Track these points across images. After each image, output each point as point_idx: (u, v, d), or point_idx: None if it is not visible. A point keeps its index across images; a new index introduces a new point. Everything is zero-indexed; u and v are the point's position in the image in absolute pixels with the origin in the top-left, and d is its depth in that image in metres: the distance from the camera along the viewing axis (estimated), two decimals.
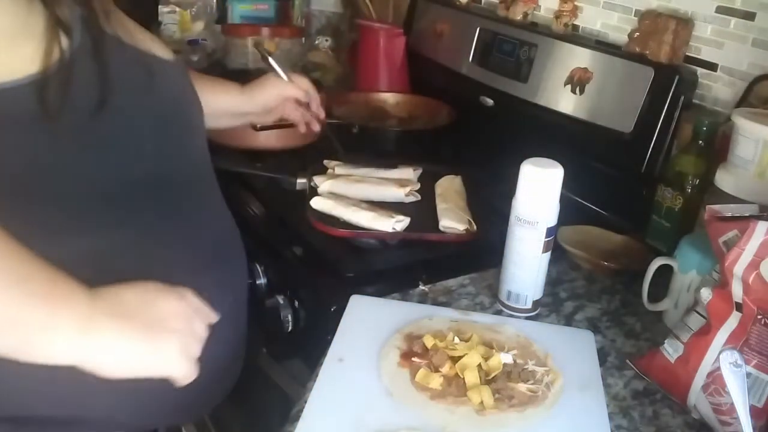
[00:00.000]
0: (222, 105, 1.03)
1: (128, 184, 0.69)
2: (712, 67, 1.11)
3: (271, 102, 1.06)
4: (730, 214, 0.72)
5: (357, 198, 1.08)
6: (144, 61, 0.71)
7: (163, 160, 0.73)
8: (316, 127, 1.12)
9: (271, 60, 1.08)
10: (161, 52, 0.77)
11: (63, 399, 0.69)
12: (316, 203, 1.05)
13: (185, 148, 0.78)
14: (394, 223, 1.00)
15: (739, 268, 0.67)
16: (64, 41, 0.62)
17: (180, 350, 0.60)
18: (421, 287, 0.93)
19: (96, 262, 0.68)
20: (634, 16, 1.20)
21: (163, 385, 0.75)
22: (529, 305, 0.88)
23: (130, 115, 0.68)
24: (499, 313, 0.89)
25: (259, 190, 1.18)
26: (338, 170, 1.18)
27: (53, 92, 0.60)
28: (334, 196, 1.08)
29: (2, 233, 0.53)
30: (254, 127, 1.25)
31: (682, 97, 1.09)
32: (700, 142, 0.98)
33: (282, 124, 1.26)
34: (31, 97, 0.59)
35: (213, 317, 0.67)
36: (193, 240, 0.77)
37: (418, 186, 1.16)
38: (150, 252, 0.71)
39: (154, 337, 0.58)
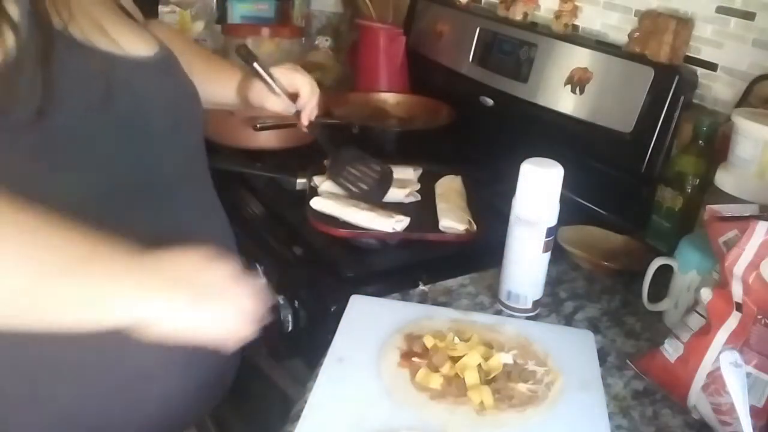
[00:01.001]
0: (212, 96, 0.96)
1: (73, 195, 0.64)
2: (712, 67, 1.11)
3: (259, 110, 0.99)
4: (730, 214, 0.72)
5: None
6: (101, 63, 0.64)
7: (126, 169, 0.68)
8: (303, 125, 1.02)
9: (256, 66, 0.94)
10: (136, 47, 0.70)
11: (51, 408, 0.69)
12: (316, 203, 1.05)
13: (159, 154, 0.72)
14: (394, 223, 1.00)
15: (739, 268, 0.67)
16: (10, 39, 0.56)
17: (235, 312, 0.60)
18: (421, 287, 0.93)
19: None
20: (634, 16, 1.20)
21: (156, 394, 0.75)
22: (529, 305, 0.88)
23: (74, 125, 0.63)
24: (499, 313, 0.89)
25: (259, 190, 1.18)
26: None
27: None
28: (334, 196, 1.08)
29: (56, 220, 0.53)
30: (254, 127, 1.25)
31: (682, 97, 1.09)
32: (700, 142, 0.98)
33: (282, 124, 1.26)
34: None
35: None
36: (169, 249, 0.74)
37: (418, 186, 1.16)
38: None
39: (212, 304, 0.59)
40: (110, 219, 0.66)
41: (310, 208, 1.05)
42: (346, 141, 1.28)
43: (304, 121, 1.01)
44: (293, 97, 0.99)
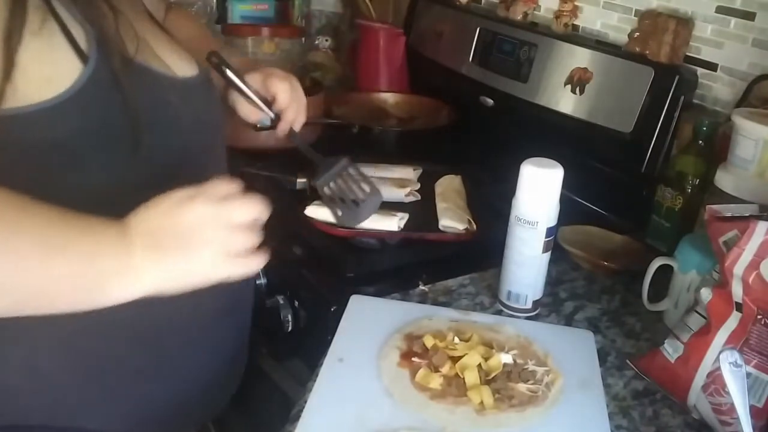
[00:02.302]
0: None
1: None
2: (712, 67, 1.11)
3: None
4: (730, 214, 0.72)
5: None
6: (163, 86, 0.67)
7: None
8: (278, 133, 0.90)
9: (229, 74, 0.81)
10: (183, 68, 0.72)
11: (59, 409, 0.69)
12: (310, 212, 1.02)
13: (200, 175, 0.69)
14: (399, 221, 1.00)
15: (739, 268, 0.67)
16: (78, 67, 0.58)
17: (221, 254, 0.58)
18: (421, 287, 0.93)
19: None
20: (634, 16, 1.20)
21: (162, 395, 0.75)
22: (529, 305, 0.88)
23: (161, 154, 0.66)
24: (499, 313, 0.89)
25: (259, 190, 1.17)
26: None
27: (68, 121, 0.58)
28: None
29: (33, 204, 0.53)
30: (254, 128, 1.24)
31: (682, 97, 1.09)
32: (700, 142, 0.98)
33: None
34: (49, 124, 0.58)
35: (253, 208, 0.63)
36: None
37: (418, 186, 1.16)
38: None
39: (192, 254, 0.57)
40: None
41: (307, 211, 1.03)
42: (346, 141, 1.28)
43: (279, 131, 0.89)
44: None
